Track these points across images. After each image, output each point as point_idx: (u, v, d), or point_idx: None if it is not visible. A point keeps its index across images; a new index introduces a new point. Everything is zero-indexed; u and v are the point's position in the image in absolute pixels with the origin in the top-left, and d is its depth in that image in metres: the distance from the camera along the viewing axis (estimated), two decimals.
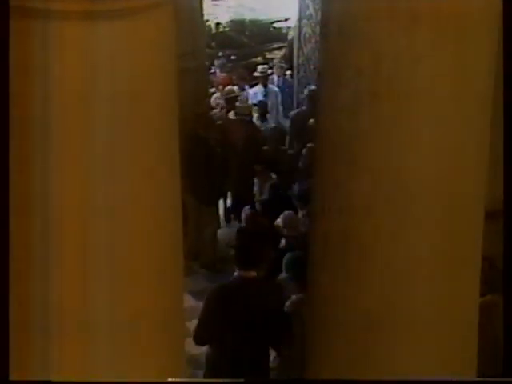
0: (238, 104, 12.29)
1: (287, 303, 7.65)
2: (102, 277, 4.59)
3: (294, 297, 7.68)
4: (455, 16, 4.91)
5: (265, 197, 11.02)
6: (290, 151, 12.24)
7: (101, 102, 4.29)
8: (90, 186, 4.43)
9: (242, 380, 6.10)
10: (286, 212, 9.73)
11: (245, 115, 12.02)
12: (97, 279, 4.60)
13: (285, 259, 8.08)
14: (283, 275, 8.08)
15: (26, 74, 4.30)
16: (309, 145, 10.35)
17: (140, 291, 4.70)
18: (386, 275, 5.25)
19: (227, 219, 12.15)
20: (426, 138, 5.06)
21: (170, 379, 4.81)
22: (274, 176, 11.12)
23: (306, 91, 13.12)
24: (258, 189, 11.31)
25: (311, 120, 10.57)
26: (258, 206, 10.89)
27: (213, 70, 14.55)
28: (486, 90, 5.18)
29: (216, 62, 15.28)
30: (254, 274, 7.35)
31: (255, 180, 11.28)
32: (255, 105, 13.20)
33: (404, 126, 5.05)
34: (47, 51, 4.28)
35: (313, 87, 12.31)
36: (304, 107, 12.82)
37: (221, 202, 11.91)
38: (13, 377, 4.42)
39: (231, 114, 12.30)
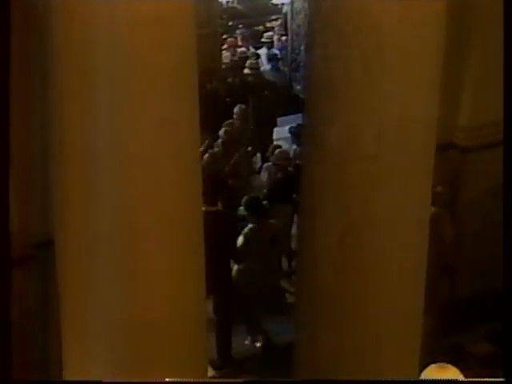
0: (249, 61, 12.50)
1: (244, 230, 7.85)
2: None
3: (249, 225, 7.86)
4: None
5: None
6: None
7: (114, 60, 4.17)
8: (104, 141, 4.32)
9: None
10: (279, 149, 9.79)
11: (255, 69, 12.24)
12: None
13: (243, 200, 8.11)
14: (243, 211, 8.14)
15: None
16: None
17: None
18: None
19: None
20: (407, 87, 5.03)
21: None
22: None
23: None
24: None
25: None
26: None
27: (224, 36, 14.53)
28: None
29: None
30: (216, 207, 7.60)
31: None
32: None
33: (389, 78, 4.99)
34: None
35: None
36: None
37: None
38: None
39: (246, 70, 12.42)
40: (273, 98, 11.80)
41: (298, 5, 14.09)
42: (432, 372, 4.65)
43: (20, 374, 4.21)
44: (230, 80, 11.90)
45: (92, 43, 4.18)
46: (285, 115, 11.99)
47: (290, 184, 8.79)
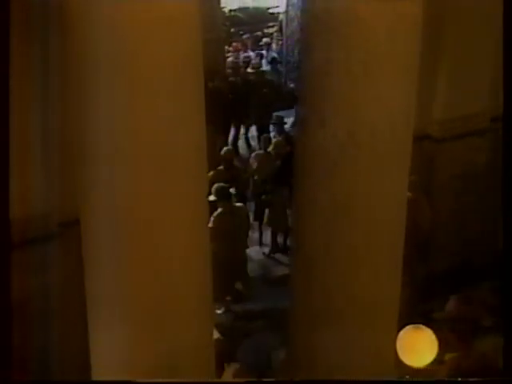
0: (252, 62, 12.76)
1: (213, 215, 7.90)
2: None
3: (219, 209, 7.94)
4: None
5: None
6: None
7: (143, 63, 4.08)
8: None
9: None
10: (276, 139, 9.86)
11: (257, 68, 12.45)
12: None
13: (213, 188, 8.15)
14: (213, 198, 8.15)
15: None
16: None
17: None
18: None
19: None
20: (393, 86, 5.00)
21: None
22: None
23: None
24: None
25: None
26: None
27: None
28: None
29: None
30: None
31: None
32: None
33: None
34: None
35: None
36: None
37: None
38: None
39: (249, 69, 12.59)
40: (271, 95, 11.84)
41: (292, 13, 14.11)
42: (408, 332, 4.70)
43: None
44: (232, 79, 11.90)
45: (98, 44, 4.09)
46: (277, 110, 12.05)
47: (286, 169, 8.90)
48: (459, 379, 4.54)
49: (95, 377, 4.89)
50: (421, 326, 4.69)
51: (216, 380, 5.32)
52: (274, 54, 14.18)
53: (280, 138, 9.86)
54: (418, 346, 4.64)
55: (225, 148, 9.69)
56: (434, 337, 4.68)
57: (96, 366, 4.88)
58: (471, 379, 4.93)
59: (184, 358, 4.72)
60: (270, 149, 9.72)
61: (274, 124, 10.88)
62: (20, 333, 3.80)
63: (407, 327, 4.72)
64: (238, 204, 8.38)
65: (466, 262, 7.86)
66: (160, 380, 4.42)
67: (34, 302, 5.78)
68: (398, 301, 5.58)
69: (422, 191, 7.58)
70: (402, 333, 4.72)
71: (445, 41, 7.52)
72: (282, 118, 10.88)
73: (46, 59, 5.33)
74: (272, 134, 10.87)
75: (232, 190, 8.42)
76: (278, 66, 13.78)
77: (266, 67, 13.38)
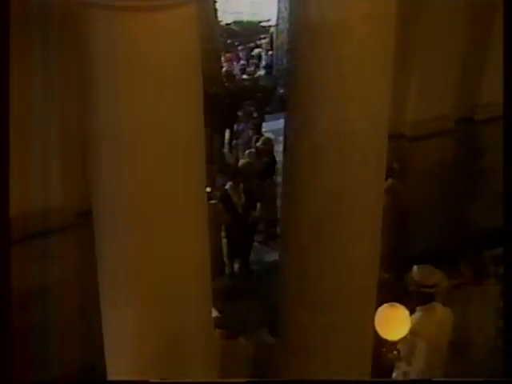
0: (247, 69, 12.99)
1: None
2: None
3: None
4: None
5: None
6: None
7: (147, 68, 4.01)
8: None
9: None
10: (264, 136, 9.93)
11: (252, 75, 12.74)
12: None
13: None
14: None
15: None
16: None
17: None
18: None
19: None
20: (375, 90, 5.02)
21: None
22: None
23: None
24: None
25: None
26: None
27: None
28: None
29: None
30: None
31: None
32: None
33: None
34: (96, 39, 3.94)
35: None
36: None
37: None
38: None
39: (244, 76, 12.75)
40: (264, 99, 11.85)
41: (282, 26, 14.12)
42: (385, 309, 4.73)
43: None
44: (227, 85, 11.89)
45: (99, 47, 3.99)
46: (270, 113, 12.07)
47: (273, 164, 9.08)
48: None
49: (108, 358, 4.82)
50: (395, 303, 4.72)
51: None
52: (267, 61, 14.30)
53: (267, 136, 9.93)
54: (393, 322, 4.67)
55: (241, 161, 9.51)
56: (407, 313, 4.71)
57: (109, 348, 4.84)
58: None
59: (187, 336, 4.73)
60: (258, 144, 9.75)
61: (252, 129, 10.93)
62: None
63: (383, 305, 4.75)
64: (213, 201, 8.28)
65: (434, 245, 7.90)
66: (172, 380, 4.30)
67: (35, 300, 5.63)
68: (377, 279, 5.61)
69: (400, 179, 7.67)
70: (378, 310, 4.75)
71: (414, 47, 7.50)
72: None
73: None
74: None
75: (209, 189, 8.39)
76: (269, 70, 13.85)
77: (259, 72, 13.48)
